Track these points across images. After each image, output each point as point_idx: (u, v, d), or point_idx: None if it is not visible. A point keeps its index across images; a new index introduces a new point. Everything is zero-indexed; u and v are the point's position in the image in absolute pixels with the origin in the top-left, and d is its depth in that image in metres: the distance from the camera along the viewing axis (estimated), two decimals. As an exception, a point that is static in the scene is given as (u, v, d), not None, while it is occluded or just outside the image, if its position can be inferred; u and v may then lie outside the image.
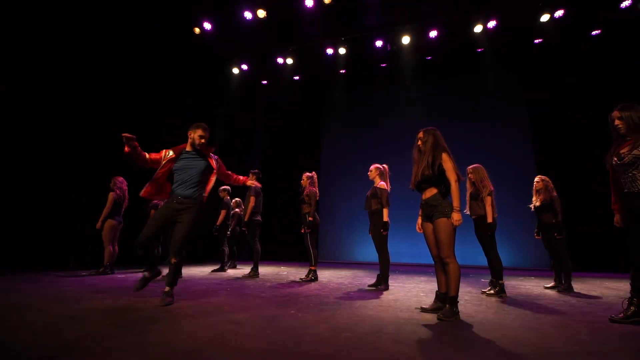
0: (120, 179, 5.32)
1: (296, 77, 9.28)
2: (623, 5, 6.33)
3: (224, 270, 5.83)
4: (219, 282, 4.32)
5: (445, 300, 2.53)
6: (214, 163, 3.09)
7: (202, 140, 2.98)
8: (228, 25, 7.43)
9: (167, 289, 2.82)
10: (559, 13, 6.60)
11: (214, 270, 5.79)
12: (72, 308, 2.53)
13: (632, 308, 2.35)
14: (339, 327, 2.10)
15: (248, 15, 7.02)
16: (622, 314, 2.36)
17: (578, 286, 4.38)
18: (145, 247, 2.84)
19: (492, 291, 3.60)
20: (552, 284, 4.23)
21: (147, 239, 2.80)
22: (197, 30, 7.39)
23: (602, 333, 2.08)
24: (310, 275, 4.66)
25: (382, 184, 4.12)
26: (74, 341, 1.73)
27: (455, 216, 2.49)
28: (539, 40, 7.47)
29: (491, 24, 6.99)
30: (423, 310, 2.67)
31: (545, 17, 6.67)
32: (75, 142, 5.96)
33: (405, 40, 7.56)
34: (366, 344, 1.78)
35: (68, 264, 5.62)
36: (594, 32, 7.16)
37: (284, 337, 1.88)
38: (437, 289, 2.76)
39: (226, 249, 6.04)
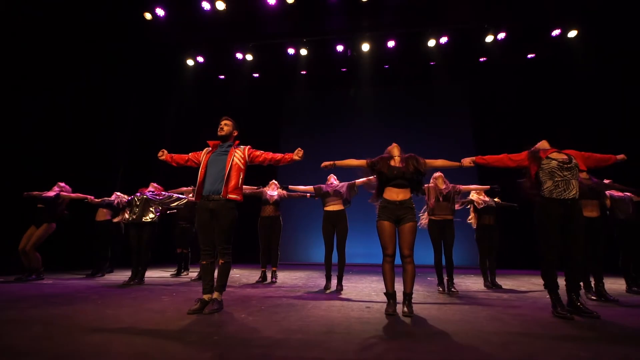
0: (62, 184, 4.98)
1: (255, 75, 9.08)
2: (554, 34, 7.19)
3: (180, 274, 5.45)
4: (163, 287, 4.05)
5: (392, 296, 2.66)
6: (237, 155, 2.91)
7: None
8: (183, 14, 7.03)
9: (215, 295, 2.67)
10: (501, 35, 7.28)
11: (172, 275, 5.41)
12: (-17, 319, 2.20)
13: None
14: (290, 329, 2.08)
15: (206, 5, 6.72)
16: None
17: (509, 282, 4.85)
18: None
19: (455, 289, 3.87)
20: (482, 280, 4.63)
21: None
22: (148, 15, 6.88)
23: (528, 323, 2.33)
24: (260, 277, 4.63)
25: (343, 183, 4.13)
26: (-19, 358, 1.49)
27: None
28: (484, 59, 8.18)
29: (443, 39, 7.49)
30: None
31: (489, 38, 7.31)
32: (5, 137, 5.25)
33: (365, 47, 7.78)
34: (317, 344, 1.78)
35: None
36: (529, 55, 8.02)
37: (232, 342, 1.81)
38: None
39: (186, 251, 5.69)
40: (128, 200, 4.68)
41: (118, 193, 5.23)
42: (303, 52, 7.90)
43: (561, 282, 2.65)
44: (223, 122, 2.95)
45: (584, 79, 7.32)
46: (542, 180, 2.75)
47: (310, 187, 4.32)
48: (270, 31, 7.60)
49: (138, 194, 4.46)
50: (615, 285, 4.35)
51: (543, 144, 2.90)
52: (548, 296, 2.71)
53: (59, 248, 5.59)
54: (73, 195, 4.93)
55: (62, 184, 4.93)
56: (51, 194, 4.75)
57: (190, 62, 8.28)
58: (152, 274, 5.43)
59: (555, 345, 1.82)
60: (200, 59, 8.32)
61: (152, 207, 4.43)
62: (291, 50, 7.99)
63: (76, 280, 4.58)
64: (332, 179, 4.19)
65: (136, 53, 7.55)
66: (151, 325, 2.13)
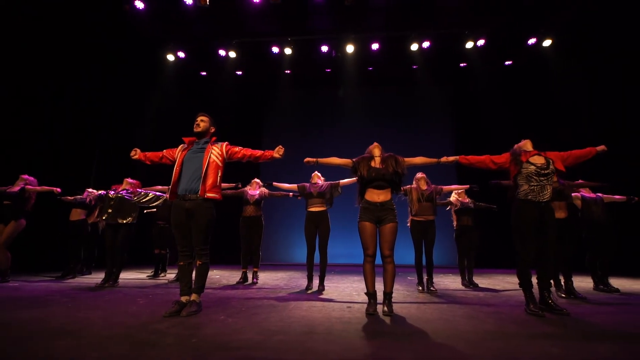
0: (26, 176, 4.67)
1: (239, 72, 8.94)
2: (530, 42, 7.49)
3: (158, 276, 5.28)
4: (140, 289, 3.92)
5: (373, 296, 2.68)
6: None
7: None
8: (164, 7, 6.83)
9: (193, 297, 2.59)
10: (480, 42, 7.50)
11: (149, 276, 5.22)
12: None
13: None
14: (271, 330, 2.06)
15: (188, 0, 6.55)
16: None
17: (485, 281, 5.01)
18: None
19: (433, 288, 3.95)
20: (460, 279, 4.77)
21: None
22: (126, 7, 6.64)
23: (502, 320, 2.41)
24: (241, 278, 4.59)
25: (326, 183, 4.14)
26: None
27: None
28: (464, 64, 8.41)
29: (425, 44, 7.65)
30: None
31: (469, 44, 7.53)
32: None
33: (350, 49, 7.83)
34: (298, 345, 1.77)
35: None
36: (507, 62, 8.32)
37: (210, 345, 1.77)
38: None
39: (164, 252, 5.50)
40: (98, 195, 4.50)
41: (90, 190, 5.02)
42: (287, 51, 7.85)
43: (533, 280, 2.76)
44: (199, 118, 2.87)
45: (559, 84, 7.69)
46: (519, 183, 2.85)
47: (294, 185, 4.30)
48: (255, 29, 7.50)
49: (112, 192, 4.28)
50: (583, 283, 4.58)
51: (526, 145, 2.95)
52: (521, 294, 2.81)
53: (25, 248, 5.29)
54: (39, 188, 4.63)
55: (26, 177, 4.62)
56: (15, 188, 4.47)
57: (170, 57, 8.05)
58: (128, 276, 5.25)
59: (528, 342, 1.89)
60: (181, 54, 8.10)
61: (129, 207, 4.25)
62: (275, 49, 7.92)
63: (45, 282, 4.36)
64: (317, 178, 4.17)
65: (113, 46, 7.27)
66: (126, 328, 2.05)
